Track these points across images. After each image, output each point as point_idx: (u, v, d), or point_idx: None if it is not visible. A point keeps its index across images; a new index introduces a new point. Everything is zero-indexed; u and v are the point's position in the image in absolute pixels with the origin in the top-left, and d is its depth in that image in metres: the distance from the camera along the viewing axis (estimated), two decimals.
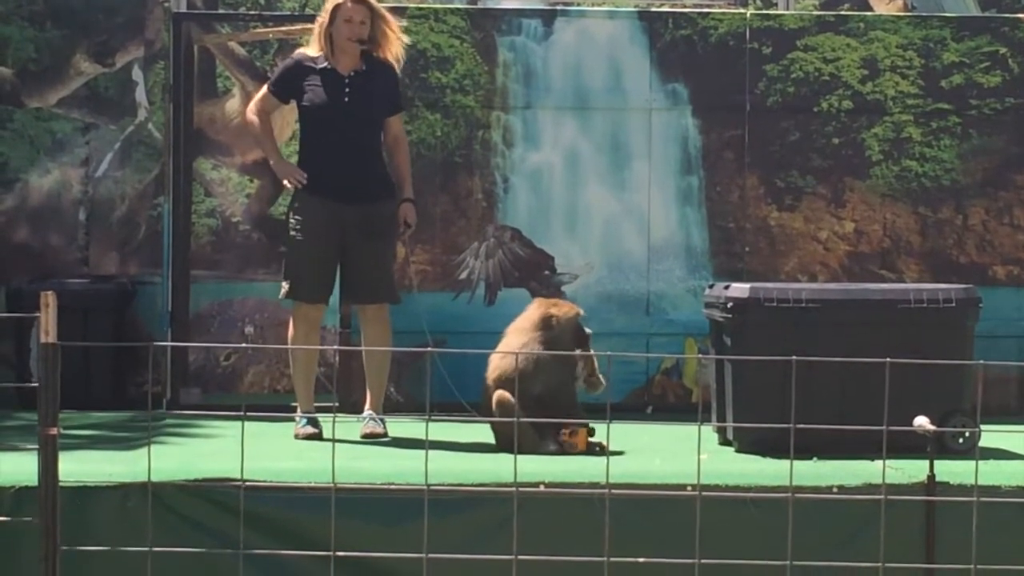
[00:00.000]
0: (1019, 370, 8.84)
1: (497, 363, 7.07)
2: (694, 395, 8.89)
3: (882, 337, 6.82)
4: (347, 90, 7.55)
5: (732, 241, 9.01)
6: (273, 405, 9.00)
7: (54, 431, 4.48)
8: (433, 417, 6.66)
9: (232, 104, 9.66)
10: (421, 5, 8.95)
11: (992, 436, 6.97)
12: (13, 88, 9.62)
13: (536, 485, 6.00)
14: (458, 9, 9.04)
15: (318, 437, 7.47)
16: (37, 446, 4.52)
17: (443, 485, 5.92)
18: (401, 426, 7.72)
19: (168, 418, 8.41)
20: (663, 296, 8.99)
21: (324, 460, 6.29)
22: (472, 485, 6.03)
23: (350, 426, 7.61)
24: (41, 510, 4.51)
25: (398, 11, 8.65)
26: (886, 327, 6.94)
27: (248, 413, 7.25)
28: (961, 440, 6.90)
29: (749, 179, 9.01)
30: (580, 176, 9.00)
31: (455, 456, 6.81)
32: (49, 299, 4.46)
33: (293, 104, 7.77)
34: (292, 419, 7.60)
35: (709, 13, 9.17)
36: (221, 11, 10.05)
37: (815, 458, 6.55)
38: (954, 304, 7.05)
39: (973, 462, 5.76)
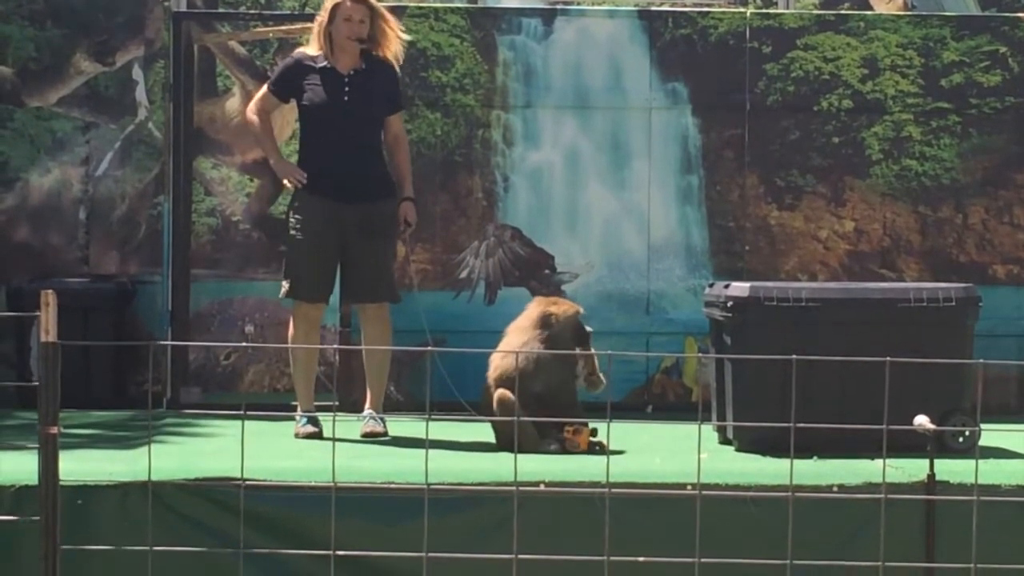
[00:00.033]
0: (1019, 369, 8.84)
1: (498, 362, 7.07)
2: (694, 394, 8.89)
3: (882, 336, 6.83)
4: (347, 89, 7.55)
5: (732, 240, 9.00)
6: (273, 404, 9.01)
7: (54, 430, 4.48)
8: (433, 416, 6.67)
9: (232, 103, 9.66)
10: (421, 4, 8.95)
11: (992, 435, 6.97)
12: (13, 87, 9.62)
13: (536, 484, 6.00)
14: (458, 8, 9.04)
15: (318, 436, 7.47)
16: (37, 445, 4.52)
17: (443, 484, 5.92)
18: (401, 425, 7.73)
19: (168, 417, 8.41)
20: (663, 295, 8.99)
21: (324, 459, 6.29)
22: (472, 484, 6.03)
23: (350, 425, 7.61)
24: (41, 509, 4.51)
25: (398, 10, 8.65)
26: (886, 326, 6.94)
27: (248, 412, 7.27)
28: (961, 439, 6.90)
29: (749, 178, 9.01)
30: (580, 175, 9.00)
31: (455, 455, 6.81)
32: (49, 298, 4.46)
33: (293, 103, 7.77)
34: (292, 418, 7.60)
35: (709, 12, 9.17)
36: (221, 10, 10.05)
37: (815, 457, 6.56)
38: (954, 303, 7.06)
39: (973, 461, 5.76)
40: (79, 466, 6.00)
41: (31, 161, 9.63)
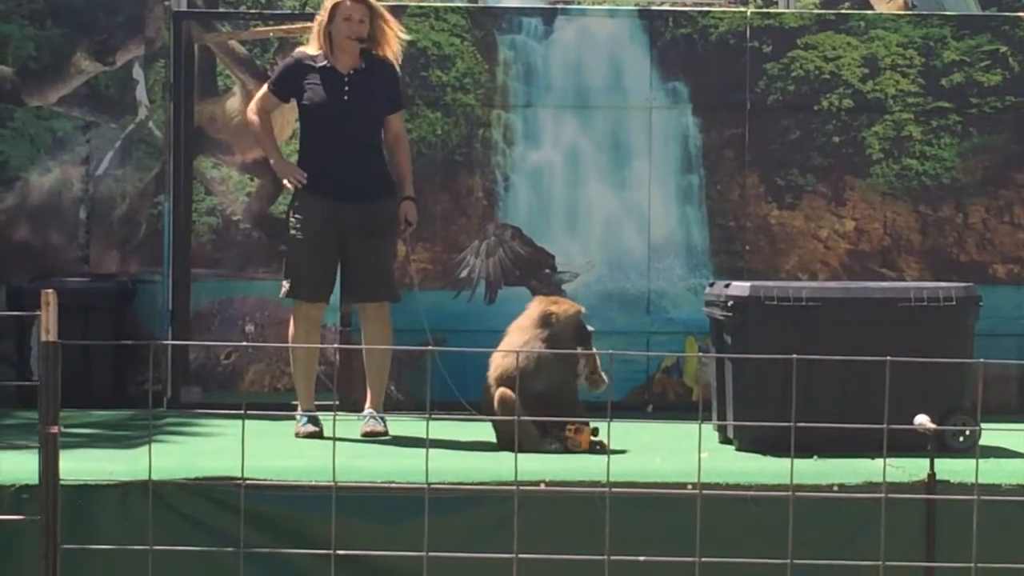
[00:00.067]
0: (1019, 368, 8.84)
1: (499, 361, 7.07)
2: (694, 393, 8.89)
3: (882, 335, 6.83)
4: (347, 88, 7.55)
5: (732, 239, 9.00)
6: (274, 404, 9.01)
7: (55, 429, 4.48)
8: (433, 416, 6.67)
9: (232, 102, 9.66)
10: (421, 3, 8.95)
11: (992, 434, 6.97)
12: (13, 86, 9.62)
13: (537, 484, 6.00)
14: (458, 7, 9.04)
15: (319, 435, 7.47)
16: (38, 444, 4.52)
17: (443, 484, 5.92)
18: (401, 425, 7.73)
19: (169, 416, 8.41)
20: (663, 294, 8.99)
21: (324, 458, 6.29)
22: (472, 484, 6.03)
23: (350, 425, 7.61)
24: (42, 508, 4.51)
25: (398, 9, 8.65)
26: (886, 325, 6.94)
27: (248, 412, 7.27)
28: (961, 439, 6.90)
29: (749, 177, 9.01)
30: (580, 174, 9.00)
31: (455, 455, 6.81)
32: (50, 297, 4.46)
33: (294, 103, 7.77)
34: (293, 417, 7.60)
35: (709, 11, 9.17)
36: (221, 10, 10.05)
37: (815, 456, 6.56)
38: (954, 302, 7.06)
39: (973, 460, 5.77)
40: (79, 465, 6.01)
41: (31, 160, 9.63)
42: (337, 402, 8.42)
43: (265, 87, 7.81)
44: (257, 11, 9.94)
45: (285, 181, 7.63)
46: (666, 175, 9.00)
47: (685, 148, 9.01)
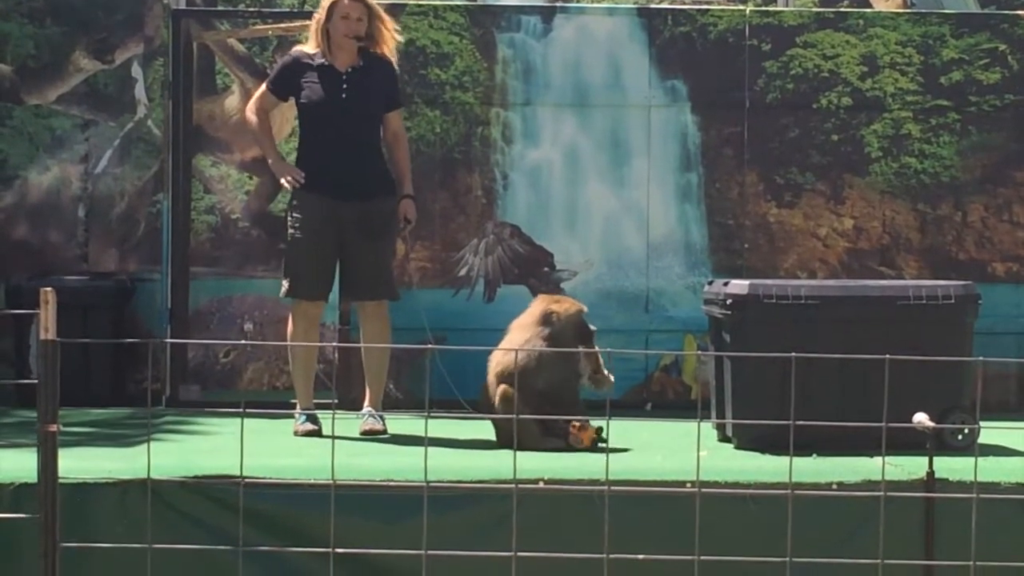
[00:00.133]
0: (1018, 367, 8.84)
1: (499, 358, 7.07)
2: (693, 392, 8.89)
3: (881, 334, 6.82)
4: (345, 86, 7.55)
5: (731, 238, 9.00)
6: (272, 402, 9.03)
7: (54, 428, 4.48)
8: (432, 414, 6.67)
9: (231, 101, 9.66)
10: (420, 2, 8.95)
11: (991, 433, 6.97)
12: (12, 85, 9.62)
13: (535, 482, 6.00)
14: (457, 5, 9.04)
15: (317, 434, 7.47)
16: (37, 443, 4.52)
17: (442, 482, 5.93)
18: (400, 423, 7.73)
19: (167, 415, 8.41)
20: (662, 293, 8.99)
21: (323, 457, 6.29)
22: (471, 482, 6.03)
23: (349, 423, 7.61)
24: (41, 506, 4.51)
25: (397, 8, 8.66)
26: (885, 324, 6.94)
27: (247, 410, 7.28)
28: (960, 437, 6.90)
29: (748, 176, 9.01)
30: (579, 173, 9.00)
31: (454, 453, 6.81)
32: (48, 296, 4.46)
33: (292, 101, 7.77)
34: (291, 416, 7.60)
35: (708, 10, 9.17)
36: (220, 8, 10.05)
37: (814, 455, 6.55)
38: (953, 301, 7.05)
39: (972, 459, 5.76)
40: (78, 464, 6.01)
41: (30, 159, 9.63)
42: (336, 400, 8.42)
43: (263, 86, 7.81)
44: (256, 9, 9.93)
45: (283, 181, 7.62)
46: (665, 173, 9.01)
47: (684, 146, 9.01)
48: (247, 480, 5.77)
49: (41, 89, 9.66)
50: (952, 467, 6.19)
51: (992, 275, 8.98)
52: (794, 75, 9.00)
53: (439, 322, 8.38)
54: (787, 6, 10.37)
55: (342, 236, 7.53)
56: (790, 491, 4.88)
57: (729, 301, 7.07)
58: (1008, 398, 8.89)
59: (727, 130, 9.01)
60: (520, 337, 7.08)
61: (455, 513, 6.01)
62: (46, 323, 4.45)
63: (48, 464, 4.50)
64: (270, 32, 9.66)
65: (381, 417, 7.57)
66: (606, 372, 7.13)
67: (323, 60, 7.57)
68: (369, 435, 7.46)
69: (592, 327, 7.19)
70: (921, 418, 6.35)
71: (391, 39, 7.64)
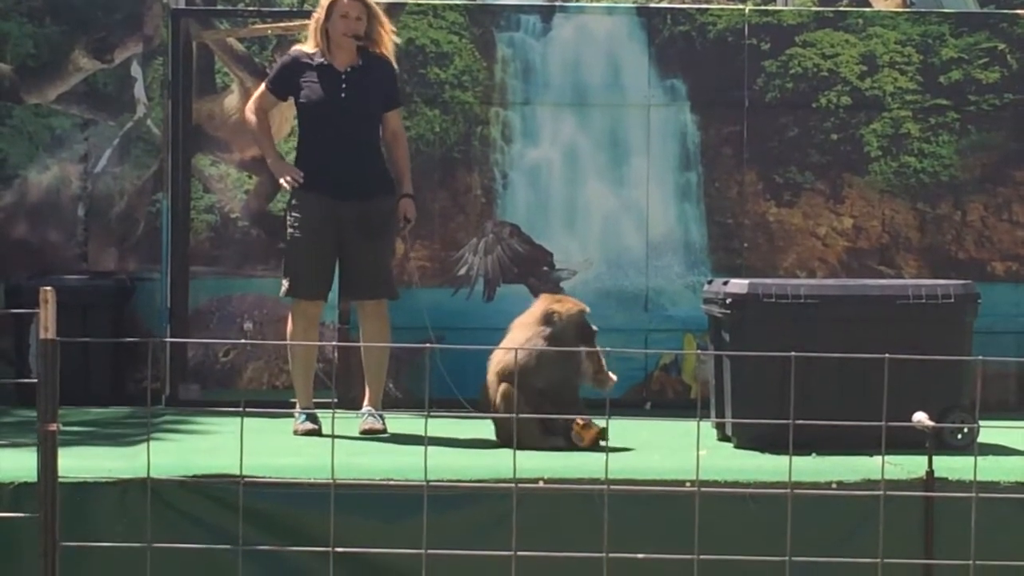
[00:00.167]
0: (1018, 366, 8.84)
1: (500, 357, 7.07)
2: (693, 391, 8.89)
3: (881, 333, 6.82)
4: (344, 86, 7.54)
5: (731, 237, 9.01)
6: (272, 401, 9.03)
7: (53, 427, 4.48)
8: (432, 413, 6.67)
9: (231, 100, 9.67)
10: (420, 1, 8.95)
11: (991, 432, 6.97)
12: (12, 84, 9.62)
13: (535, 481, 6.00)
14: (457, 5, 9.04)
15: (317, 433, 7.47)
16: (36, 442, 4.52)
17: (442, 481, 5.93)
18: (400, 422, 7.72)
19: (167, 414, 8.41)
20: (662, 292, 8.99)
21: (323, 456, 6.29)
22: (471, 481, 6.03)
23: (349, 422, 7.61)
24: (40, 506, 4.51)
25: (397, 7, 8.66)
26: (885, 323, 6.94)
27: (247, 409, 7.28)
28: (960, 436, 6.90)
29: (748, 175, 9.01)
30: (579, 172, 9.00)
31: (454, 452, 6.80)
32: (48, 295, 4.46)
33: (292, 101, 7.77)
34: (291, 415, 7.60)
35: (708, 9, 9.17)
36: (219, 7, 10.05)
37: (814, 454, 6.55)
38: (953, 300, 7.05)
39: (972, 458, 5.76)
40: (78, 463, 6.01)
41: (30, 158, 9.63)
42: (336, 400, 8.42)
43: (263, 86, 7.81)
44: (255, 9, 9.93)
45: (282, 180, 7.62)
46: (664, 172, 9.01)
47: (683, 145, 9.02)
48: (247, 479, 5.77)
49: (41, 88, 9.66)
50: (951, 466, 6.19)
51: (991, 274, 8.98)
52: (793, 74, 9.00)
53: (439, 321, 8.38)
54: (786, 5, 10.37)
55: (341, 235, 7.53)
56: (789, 490, 4.88)
57: (728, 300, 7.07)
58: (1007, 397, 8.89)
59: (726, 129, 9.01)
60: (521, 336, 7.08)
61: (455, 512, 6.01)
62: (46, 322, 4.45)
63: (48, 463, 4.51)
64: (269, 31, 9.66)
65: (381, 416, 7.57)
66: (609, 373, 7.12)
67: (322, 59, 7.57)
68: (369, 434, 7.46)
69: (594, 327, 7.19)
70: (920, 417, 6.35)
71: (389, 41, 7.64)
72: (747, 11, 9.12)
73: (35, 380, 4.54)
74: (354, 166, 7.54)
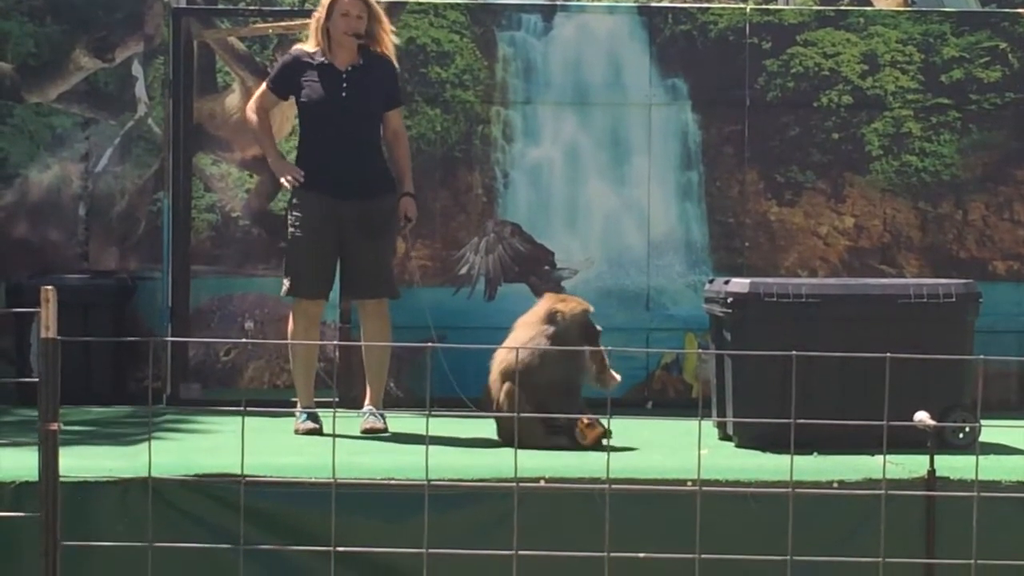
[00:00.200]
0: (1019, 365, 8.84)
1: (503, 356, 7.06)
2: (694, 390, 8.89)
3: (882, 332, 6.82)
4: (345, 85, 7.54)
5: (732, 236, 9.00)
6: (273, 400, 9.02)
7: (54, 426, 4.48)
8: (433, 412, 6.66)
9: (232, 99, 9.66)
10: (421, 0, 8.94)
11: (992, 431, 6.97)
12: (13, 83, 9.62)
13: (536, 480, 6.00)
14: (458, 4, 9.04)
15: (318, 432, 7.47)
16: (37, 441, 4.52)
17: (443, 480, 5.93)
18: (401, 421, 7.72)
19: (168, 413, 8.41)
20: (663, 291, 8.99)
21: (324, 455, 6.29)
22: (472, 480, 6.03)
23: (350, 421, 7.61)
24: (41, 505, 4.50)
25: (398, 6, 8.66)
26: (886, 322, 6.93)
27: (248, 408, 7.28)
28: (961, 435, 6.89)
29: (749, 174, 9.01)
30: (580, 171, 9.00)
31: (455, 451, 6.80)
32: (49, 294, 4.46)
33: (293, 100, 7.76)
34: (292, 414, 7.60)
35: (709, 8, 9.17)
36: (220, 6, 10.04)
37: (815, 453, 6.56)
38: (954, 299, 7.05)
39: (973, 457, 5.76)
40: (79, 462, 6.01)
41: (31, 157, 9.62)
42: (337, 399, 8.42)
43: (264, 85, 7.81)
44: (256, 8, 9.92)
45: (282, 180, 7.62)
46: (665, 172, 9.01)
47: (684, 145, 9.01)
48: (248, 478, 5.77)
49: (42, 87, 9.66)
50: (953, 465, 6.18)
51: (993, 273, 8.98)
52: (795, 73, 9.00)
53: (440, 320, 8.38)
54: (787, 4, 10.36)
55: (342, 234, 7.52)
56: (791, 489, 4.88)
57: (730, 299, 7.07)
58: (1009, 396, 8.90)
59: (728, 128, 9.01)
60: (524, 335, 7.08)
61: (456, 512, 6.01)
62: (47, 321, 4.45)
63: (49, 463, 4.50)
64: (270, 30, 9.66)
65: (382, 415, 7.57)
66: (612, 372, 7.12)
67: (323, 59, 7.57)
68: (370, 433, 7.45)
69: (598, 327, 7.18)
70: (922, 416, 6.35)
71: (389, 41, 7.63)
72: (748, 10, 9.12)
73: (36, 379, 4.54)
74: (355, 165, 7.54)
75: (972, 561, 4.81)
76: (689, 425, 6.78)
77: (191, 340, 9.23)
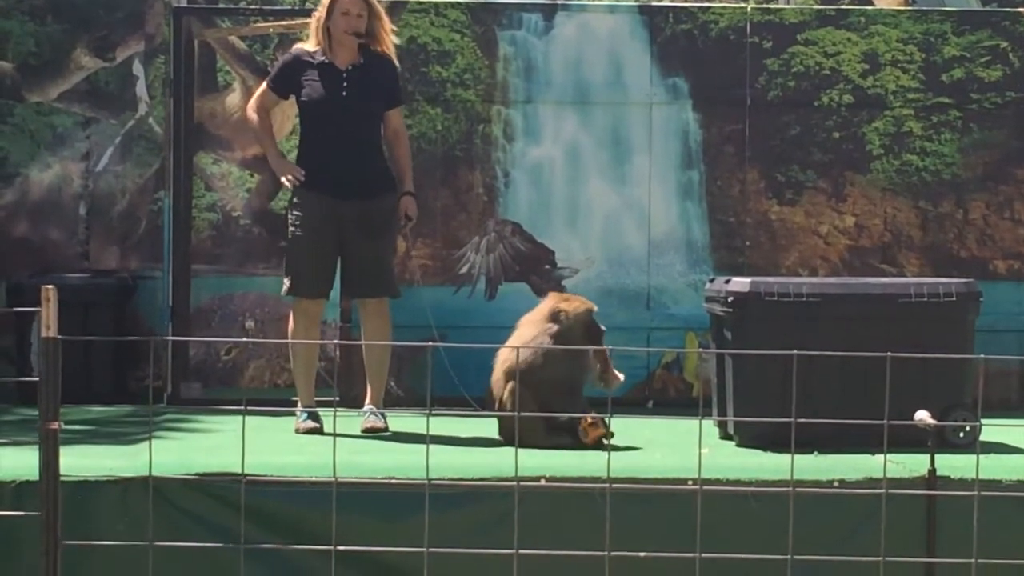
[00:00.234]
0: (1020, 364, 8.84)
1: (507, 355, 7.06)
2: (695, 389, 8.89)
3: (883, 331, 6.82)
4: (345, 84, 7.54)
5: (733, 235, 9.01)
6: (274, 399, 9.02)
7: (55, 425, 4.48)
8: (434, 412, 6.67)
9: (232, 98, 9.66)
10: None
11: (993, 430, 6.97)
12: (14, 82, 9.62)
13: (537, 479, 6.00)
14: (459, 3, 9.04)
15: (319, 431, 7.46)
16: (38, 441, 4.52)
17: (444, 479, 5.93)
18: (402, 420, 7.72)
19: (169, 412, 8.41)
20: (664, 290, 8.99)
21: (325, 454, 6.29)
22: (473, 480, 6.04)
23: (351, 420, 7.61)
24: (42, 504, 4.50)
25: (398, 5, 8.66)
26: (887, 321, 6.93)
27: (249, 407, 7.28)
28: (962, 434, 6.89)
29: (750, 173, 9.01)
30: (581, 170, 9.00)
31: (456, 451, 6.81)
32: (50, 293, 4.46)
33: (294, 99, 7.76)
34: (293, 413, 7.60)
35: (710, 7, 9.17)
36: (221, 5, 10.04)
37: (816, 452, 6.56)
38: (955, 298, 7.05)
39: (974, 456, 5.76)
40: (80, 462, 6.01)
41: (31, 156, 9.63)
42: (337, 398, 8.42)
43: (264, 84, 7.81)
44: (257, 7, 9.92)
45: (283, 179, 7.63)
46: (666, 171, 9.01)
47: (685, 144, 9.01)
48: (248, 478, 5.77)
49: (42, 87, 9.66)
50: (954, 465, 6.18)
51: (993, 272, 8.98)
52: (795, 72, 9.00)
53: (440, 320, 8.37)
54: (788, 3, 10.36)
55: (342, 234, 7.52)
56: (791, 488, 4.88)
57: (730, 299, 7.07)
58: (1009, 396, 8.89)
59: (728, 127, 9.01)
60: (528, 333, 7.08)
61: (456, 511, 6.01)
62: (47, 321, 4.45)
63: (49, 462, 4.50)
64: (271, 30, 9.66)
65: (382, 415, 7.57)
66: (616, 372, 7.11)
67: (324, 58, 7.57)
68: (370, 432, 7.45)
69: (602, 327, 7.18)
70: (923, 416, 6.35)
71: (389, 40, 7.63)
72: (749, 9, 9.12)
73: (37, 378, 4.53)
74: (355, 164, 7.54)
75: (973, 560, 4.81)
76: (690, 424, 6.76)
77: (192, 339, 9.24)
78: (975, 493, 5.04)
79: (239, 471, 5.70)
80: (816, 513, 5.97)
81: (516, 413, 6.23)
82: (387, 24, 7.64)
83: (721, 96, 8.99)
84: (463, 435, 7.17)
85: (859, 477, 6.19)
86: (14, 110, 9.62)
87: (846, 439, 6.54)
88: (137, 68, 9.72)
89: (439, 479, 5.87)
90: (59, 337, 4.47)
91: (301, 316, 7.60)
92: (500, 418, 7.10)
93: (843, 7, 9.81)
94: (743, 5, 9.45)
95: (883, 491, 5.33)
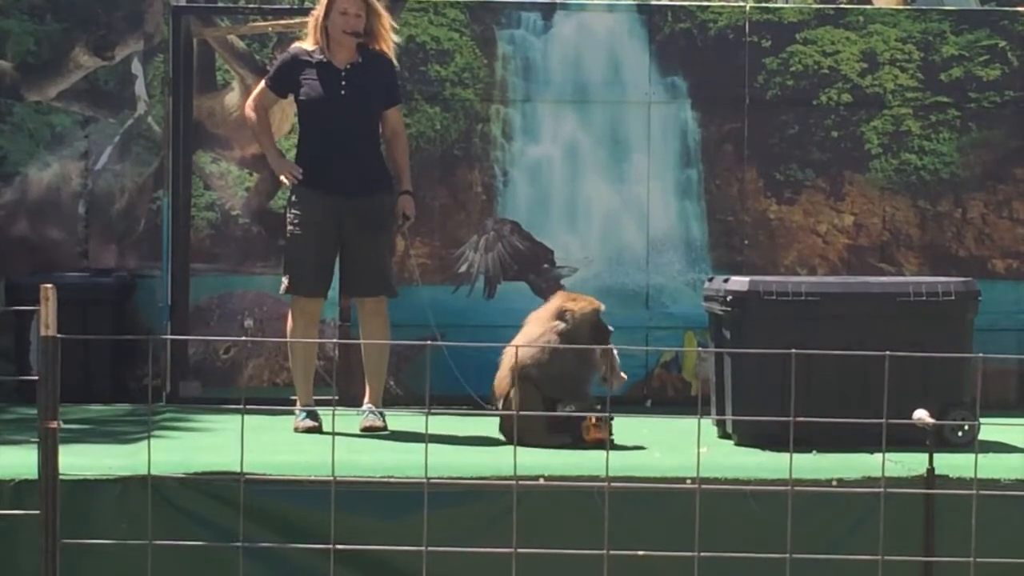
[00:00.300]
0: (1018, 363, 8.85)
1: (513, 353, 7.05)
2: (693, 388, 8.89)
3: (881, 330, 6.82)
4: (343, 83, 7.54)
5: (731, 234, 9.01)
6: (272, 398, 9.02)
7: (54, 424, 4.48)
8: (432, 410, 6.67)
9: (231, 97, 9.65)
10: None
11: (991, 429, 6.96)
12: (12, 81, 9.61)
13: (536, 478, 6.00)
14: (457, 2, 9.04)
15: (317, 430, 7.46)
16: (37, 439, 4.52)
17: (443, 478, 5.92)
18: (400, 419, 7.72)
19: (167, 411, 8.41)
20: (662, 289, 8.99)
21: (324, 453, 6.29)
22: (472, 478, 6.03)
23: (349, 419, 7.61)
24: (41, 503, 4.51)
25: (398, 4, 8.66)
26: (885, 320, 6.93)
27: (248, 406, 7.26)
28: (960, 433, 6.90)
29: (748, 172, 9.01)
30: (579, 169, 9.00)
31: (455, 449, 6.81)
32: (49, 292, 4.46)
33: (292, 98, 7.76)
34: (292, 412, 7.60)
35: (708, 6, 9.17)
36: (220, 4, 10.03)
37: (814, 451, 6.56)
38: (953, 297, 7.05)
39: (972, 455, 5.76)
40: (79, 460, 6.01)
41: (30, 155, 9.62)
42: (336, 397, 8.42)
43: (262, 83, 7.81)
44: (255, 6, 9.91)
45: (282, 177, 7.63)
46: (665, 170, 9.01)
47: (684, 143, 9.02)
48: (247, 476, 5.77)
49: (41, 86, 9.65)
50: (952, 463, 6.18)
51: (992, 271, 8.98)
52: (794, 71, 9.00)
53: (439, 319, 8.37)
54: (787, 3, 10.36)
55: (341, 233, 7.52)
56: (790, 487, 4.88)
57: (729, 298, 7.07)
58: (1008, 395, 8.90)
59: (727, 126, 9.01)
60: (534, 330, 7.08)
61: (455, 509, 6.01)
62: (46, 319, 4.45)
63: (48, 460, 4.50)
64: (270, 29, 9.65)
65: (381, 413, 7.57)
66: (620, 372, 7.11)
67: (322, 57, 7.57)
68: (369, 431, 7.46)
69: (610, 327, 7.17)
70: (921, 414, 6.35)
71: (389, 38, 7.63)
72: (748, 8, 9.12)
73: (36, 377, 4.54)
74: (354, 163, 7.54)
75: (971, 559, 4.81)
76: (688, 423, 6.76)
77: (191, 338, 9.23)
78: (973, 492, 5.04)
79: (238, 470, 5.70)
80: (815, 512, 5.98)
81: (515, 412, 6.22)
82: (387, 22, 7.64)
83: (720, 95, 8.99)
84: (462, 434, 7.17)
85: (858, 476, 6.19)
86: (13, 109, 9.61)
87: (845, 438, 6.54)
88: (136, 67, 9.71)
89: (438, 478, 5.87)
90: (58, 336, 4.48)
91: (300, 315, 7.61)
92: (501, 417, 7.10)
93: (842, 6, 9.81)
94: (742, 4, 9.45)
95: (882, 490, 5.33)
